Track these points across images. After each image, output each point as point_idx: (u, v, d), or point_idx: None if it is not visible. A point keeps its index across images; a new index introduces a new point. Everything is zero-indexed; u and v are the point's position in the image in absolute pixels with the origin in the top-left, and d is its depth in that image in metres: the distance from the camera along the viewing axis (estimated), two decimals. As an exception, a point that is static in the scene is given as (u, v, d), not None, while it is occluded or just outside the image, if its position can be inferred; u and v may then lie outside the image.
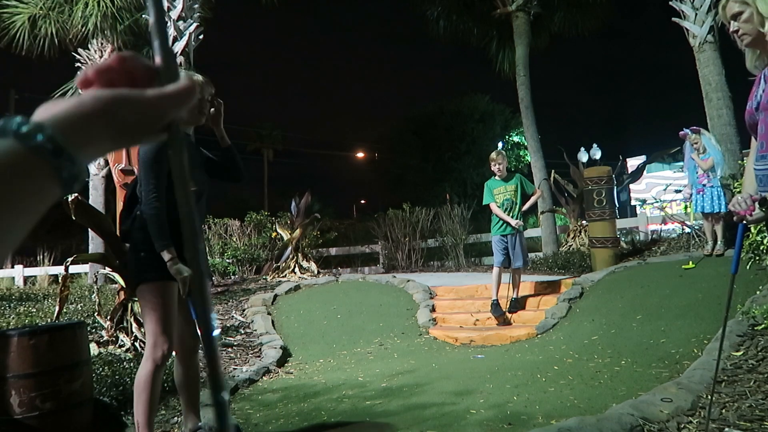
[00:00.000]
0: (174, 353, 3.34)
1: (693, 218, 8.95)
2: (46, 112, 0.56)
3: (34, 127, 0.53)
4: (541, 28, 15.82)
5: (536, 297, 7.65)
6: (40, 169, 0.52)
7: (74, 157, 0.54)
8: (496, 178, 7.22)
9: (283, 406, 4.43)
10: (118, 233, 3.91)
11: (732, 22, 2.67)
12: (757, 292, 5.41)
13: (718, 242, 7.67)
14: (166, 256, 3.07)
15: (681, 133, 8.07)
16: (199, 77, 3.31)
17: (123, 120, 0.59)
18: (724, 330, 3.08)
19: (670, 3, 11.31)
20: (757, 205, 2.55)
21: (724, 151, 8.15)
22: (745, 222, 2.62)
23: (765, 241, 5.71)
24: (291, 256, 11.60)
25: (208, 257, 11.63)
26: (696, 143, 7.84)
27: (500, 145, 35.28)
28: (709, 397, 3.48)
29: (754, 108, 2.67)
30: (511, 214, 7.07)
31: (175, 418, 4.14)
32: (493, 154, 7.27)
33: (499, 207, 7.12)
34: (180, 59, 10.43)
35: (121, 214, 3.48)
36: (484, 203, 7.33)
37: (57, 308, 5.67)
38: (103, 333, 6.17)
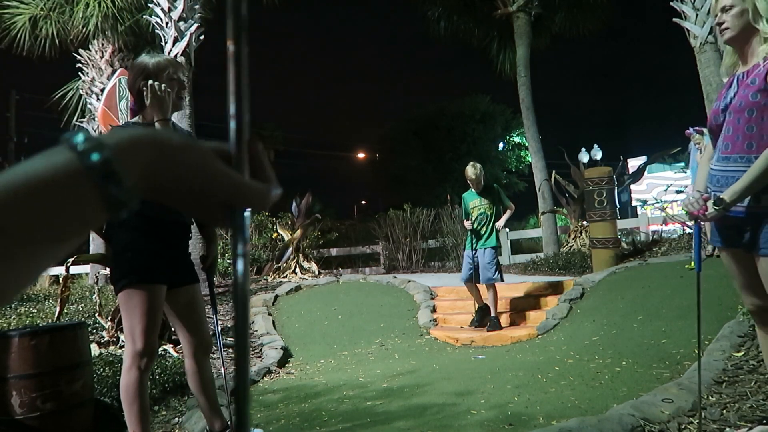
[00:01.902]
0: (186, 358, 3.24)
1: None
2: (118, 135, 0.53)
3: (95, 144, 0.50)
4: (542, 29, 15.82)
5: (537, 297, 7.65)
6: (89, 190, 0.50)
7: (124, 183, 0.51)
8: (472, 190, 7.10)
9: (283, 407, 4.43)
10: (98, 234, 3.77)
11: (720, 13, 2.68)
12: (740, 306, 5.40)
13: None
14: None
15: (687, 132, 7.92)
16: (168, 57, 3.15)
17: (188, 173, 0.56)
18: (699, 329, 3.10)
19: (671, 3, 11.30)
20: (710, 204, 2.59)
21: None
22: (699, 221, 2.66)
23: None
24: (292, 257, 11.60)
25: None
26: (699, 143, 7.68)
27: (501, 145, 35.35)
28: (710, 397, 3.48)
29: (721, 109, 2.69)
30: (485, 229, 6.91)
31: (176, 418, 4.14)
32: (468, 168, 7.08)
33: (474, 220, 6.97)
34: (181, 60, 10.42)
35: None
36: (462, 217, 7.25)
37: (58, 309, 5.67)
38: (104, 333, 6.18)
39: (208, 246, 3.35)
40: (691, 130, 7.84)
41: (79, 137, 0.51)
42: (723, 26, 2.67)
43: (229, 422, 3.33)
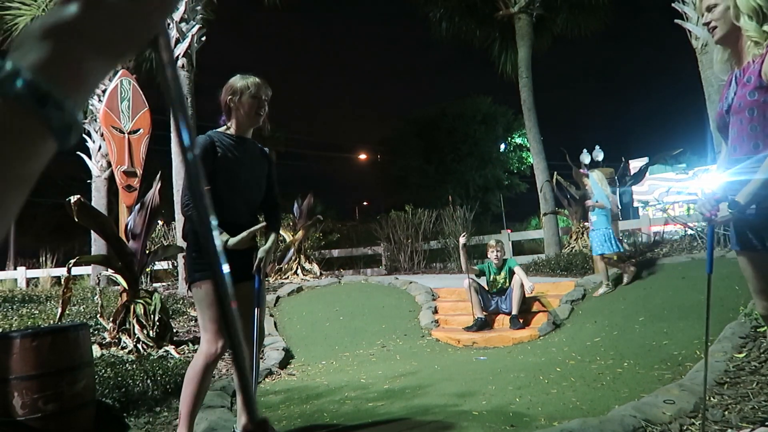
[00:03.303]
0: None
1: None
2: (20, 45, 0.47)
3: (11, 72, 0.45)
4: (543, 30, 15.81)
5: (538, 299, 7.64)
6: (25, 121, 0.45)
7: (63, 102, 0.46)
8: (494, 264, 7.42)
9: (285, 408, 4.43)
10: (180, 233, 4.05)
11: (706, 13, 2.66)
12: (752, 302, 5.40)
13: (605, 285, 7.30)
14: (220, 240, 3.09)
15: (581, 170, 7.93)
16: (255, 79, 3.42)
17: (103, 31, 0.50)
18: (707, 329, 3.09)
19: (673, 5, 11.30)
20: (723, 206, 2.56)
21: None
22: (711, 223, 2.64)
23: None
24: (293, 258, 11.61)
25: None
26: (586, 185, 7.67)
27: (502, 147, 35.35)
28: (712, 398, 3.48)
29: (725, 110, 2.67)
30: (496, 294, 7.34)
31: (178, 420, 4.13)
32: (492, 242, 7.49)
33: (490, 288, 7.39)
34: (182, 61, 10.43)
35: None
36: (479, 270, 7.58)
37: (59, 310, 5.69)
38: (106, 335, 6.18)
39: (265, 247, 3.52)
40: (584, 170, 7.82)
41: None
42: (711, 26, 2.65)
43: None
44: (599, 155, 13.25)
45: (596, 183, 7.66)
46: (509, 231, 15.81)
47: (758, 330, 4.58)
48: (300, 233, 11.69)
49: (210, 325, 3.21)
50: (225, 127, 3.45)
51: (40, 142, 0.46)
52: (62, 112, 0.46)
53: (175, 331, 6.62)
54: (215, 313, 3.21)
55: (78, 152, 15.17)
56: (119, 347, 5.92)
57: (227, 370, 5.72)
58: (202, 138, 3.29)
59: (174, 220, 12.05)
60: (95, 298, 7.90)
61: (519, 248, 16.44)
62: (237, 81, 3.42)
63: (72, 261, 5.77)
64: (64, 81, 0.47)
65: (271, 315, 7.98)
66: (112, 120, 7.75)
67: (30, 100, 0.44)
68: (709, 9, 2.63)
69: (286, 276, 11.29)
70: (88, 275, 14.17)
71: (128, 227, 6.40)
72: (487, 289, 7.37)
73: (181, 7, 10.58)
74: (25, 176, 0.46)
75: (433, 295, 8.52)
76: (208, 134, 3.34)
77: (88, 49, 0.49)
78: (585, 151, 13.96)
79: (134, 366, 5.11)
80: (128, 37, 0.52)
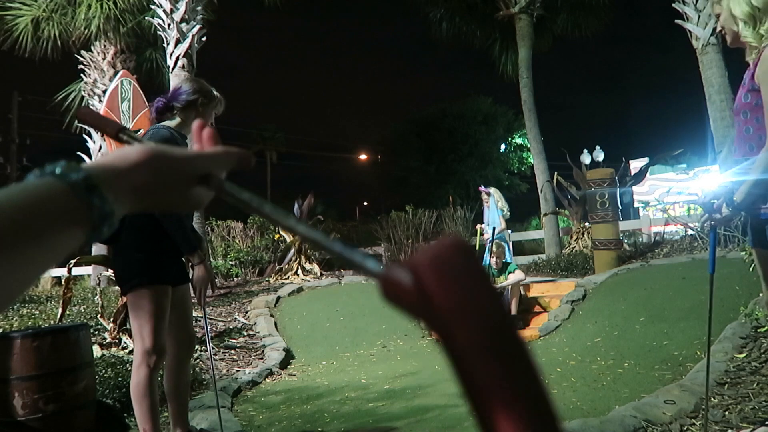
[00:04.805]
0: (168, 356, 3.26)
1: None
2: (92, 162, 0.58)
3: (72, 167, 0.54)
4: (544, 30, 15.81)
5: (539, 299, 7.65)
6: (70, 203, 0.52)
7: (106, 196, 0.54)
8: (494, 268, 7.51)
9: (286, 408, 4.44)
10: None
11: (717, 20, 2.74)
12: (760, 294, 5.40)
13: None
14: (196, 258, 3.12)
15: (480, 188, 7.95)
16: (215, 93, 3.43)
17: (159, 172, 0.60)
18: (709, 329, 3.10)
19: (673, 5, 11.31)
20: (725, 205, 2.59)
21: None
22: (712, 221, 2.67)
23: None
24: (294, 258, 11.60)
25: (212, 259, 11.65)
26: (487, 202, 7.69)
27: (503, 147, 35.35)
28: (712, 399, 3.48)
29: (734, 110, 2.72)
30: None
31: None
32: (492, 246, 7.56)
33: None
34: (183, 62, 10.43)
35: None
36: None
37: (60, 310, 5.68)
38: (106, 335, 6.18)
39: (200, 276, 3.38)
40: (482, 188, 7.84)
41: (58, 163, 0.54)
42: (721, 32, 2.72)
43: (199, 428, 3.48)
44: (600, 155, 13.23)
45: (494, 203, 7.71)
46: (509, 231, 15.79)
47: (759, 330, 4.58)
48: (300, 233, 11.67)
49: (151, 334, 3.05)
50: (176, 122, 3.33)
51: (76, 223, 0.53)
52: (104, 204, 0.54)
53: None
54: (158, 322, 3.07)
55: (78, 152, 15.18)
56: (120, 347, 5.92)
57: (227, 370, 5.72)
58: (168, 133, 3.16)
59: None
60: (96, 298, 7.90)
61: (519, 248, 16.41)
62: (212, 88, 3.44)
63: (72, 261, 5.77)
64: (114, 189, 0.56)
65: (272, 315, 7.98)
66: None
67: (78, 187, 0.52)
68: (717, 16, 2.70)
69: (287, 276, 11.28)
70: (89, 275, 14.18)
71: (129, 227, 6.38)
72: None
73: (182, 8, 10.58)
74: (54, 248, 0.52)
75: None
76: (168, 129, 3.20)
77: (135, 194, 0.59)
78: (585, 151, 13.95)
79: (135, 366, 5.10)
80: (162, 207, 0.64)
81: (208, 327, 3.49)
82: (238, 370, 5.78)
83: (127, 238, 3.12)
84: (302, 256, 11.64)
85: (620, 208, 9.72)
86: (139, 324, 3.07)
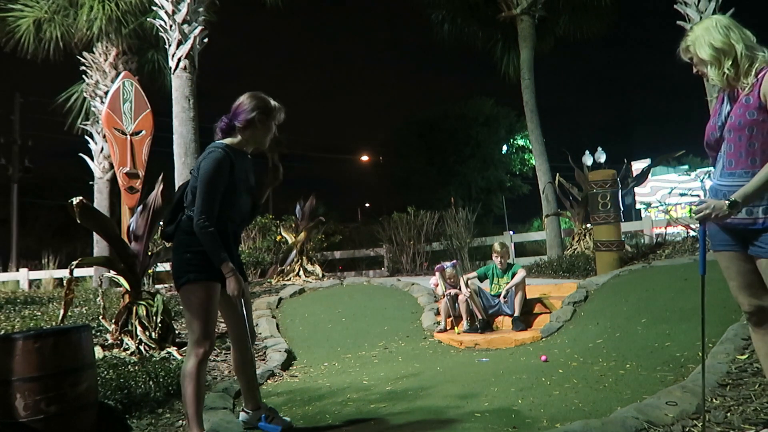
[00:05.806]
0: (232, 348, 3.75)
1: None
2: None
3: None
4: (545, 32, 15.81)
5: (540, 300, 7.64)
6: None
7: None
8: (498, 268, 7.49)
9: (287, 410, 4.43)
10: (160, 232, 4.37)
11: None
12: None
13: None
14: (225, 268, 3.31)
15: (437, 267, 7.82)
16: (280, 105, 3.57)
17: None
18: (703, 331, 3.11)
19: (675, 6, 11.31)
20: (722, 205, 2.66)
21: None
22: (707, 220, 2.75)
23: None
24: (296, 260, 11.61)
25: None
26: (451, 279, 7.55)
27: (505, 148, 35.34)
28: (714, 400, 3.47)
29: (718, 125, 2.83)
30: (499, 296, 7.33)
31: (180, 421, 4.14)
32: (497, 246, 7.51)
33: (491, 291, 7.44)
34: (185, 63, 10.44)
35: (164, 215, 3.77)
36: (479, 275, 7.62)
37: (62, 311, 5.69)
38: (108, 336, 6.19)
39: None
40: (443, 265, 7.74)
41: None
42: (699, 74, 2.94)
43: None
44: (601, 157, 13.18)
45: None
46: (511, 232, 15.81)
47: (761, 332, 4.57)
48: (302, 235, 11.69)
49: (199, 327, 3.34)
50: (236, 140, 3.52)
51: None
52: None
53: (177, 332, 6.62)
54: (206, 315, 3.35)
55: (80, 154, 15.22)
56: (121, 349, 5.92)
57: (229, 372, 5.72)
58: (220, 154, 3.35)
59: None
60: (97, 299, 7.91)
61: (521, 250, 16.42)
62: (269, 100, 3.55)
63: (74, 263, 5.78)
64: None
65: (274, 317, 7.98)
66: (115, 122, 7.75)
67: None
68: (690, 59, 2.93)
69: (288, 277, 11.29)
70: (91, 277, 14.20)
71: (130, 229, 6.40)
72: (489, 291, 7.40)
73: (184, 9, 10.59)
74: None
75: (435, 296, 8.51)
76: (224, 150, 3.39)
77: None
78: (587, 152, 13.90)
79: (136, 368, 5.11)
80: None
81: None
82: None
83: (180, 239, 3.43)
84: (304, 258, 11.65)
85: (622, 209, 9.70)
86: (189, 317, 3.40)
